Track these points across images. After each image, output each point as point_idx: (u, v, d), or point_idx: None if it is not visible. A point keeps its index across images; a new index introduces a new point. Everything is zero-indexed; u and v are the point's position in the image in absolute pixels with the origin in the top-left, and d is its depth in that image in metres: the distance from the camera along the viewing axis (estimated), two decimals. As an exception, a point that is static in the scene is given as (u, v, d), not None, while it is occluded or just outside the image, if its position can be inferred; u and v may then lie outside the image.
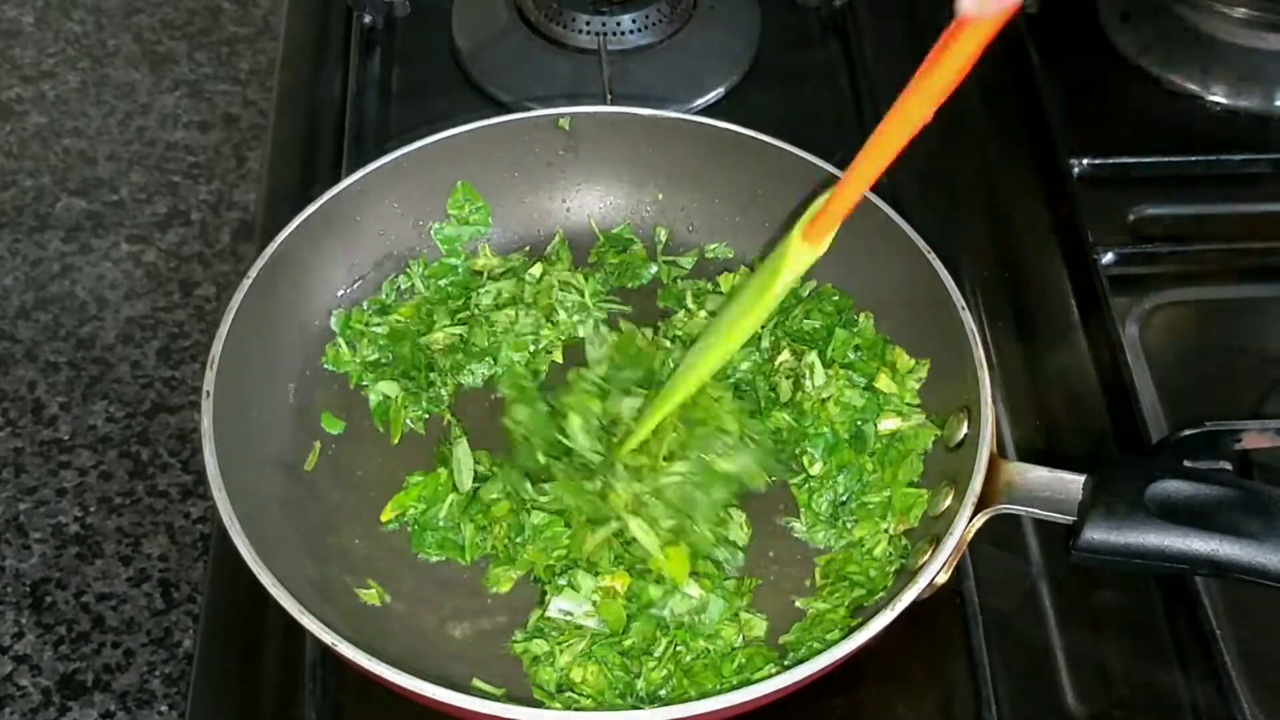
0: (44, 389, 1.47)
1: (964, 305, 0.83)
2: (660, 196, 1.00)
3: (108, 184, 1.70)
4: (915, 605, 0.73)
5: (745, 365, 0.90)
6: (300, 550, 0.82)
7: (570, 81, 1.10)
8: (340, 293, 0.94)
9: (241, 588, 0.78)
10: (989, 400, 0.78)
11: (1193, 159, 1.07)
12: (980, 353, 0.80)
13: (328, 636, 0.70)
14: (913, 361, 0.89)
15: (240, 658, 0.82)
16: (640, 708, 0.75)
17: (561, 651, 0.78)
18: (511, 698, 0.73)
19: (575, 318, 0.94)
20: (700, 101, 1.10)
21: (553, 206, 1.00)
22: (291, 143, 1.10)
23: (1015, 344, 0.98)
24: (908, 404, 0.87)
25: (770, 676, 0.69)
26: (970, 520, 0.74)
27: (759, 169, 0.95)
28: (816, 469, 0.85)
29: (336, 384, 0.92)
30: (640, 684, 0.77)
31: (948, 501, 0.78)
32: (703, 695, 0.74)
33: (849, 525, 0.84)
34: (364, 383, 0.91)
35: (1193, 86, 1.13)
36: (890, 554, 0.82)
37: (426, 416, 0.91)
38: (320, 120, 1.11)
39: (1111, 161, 1.06)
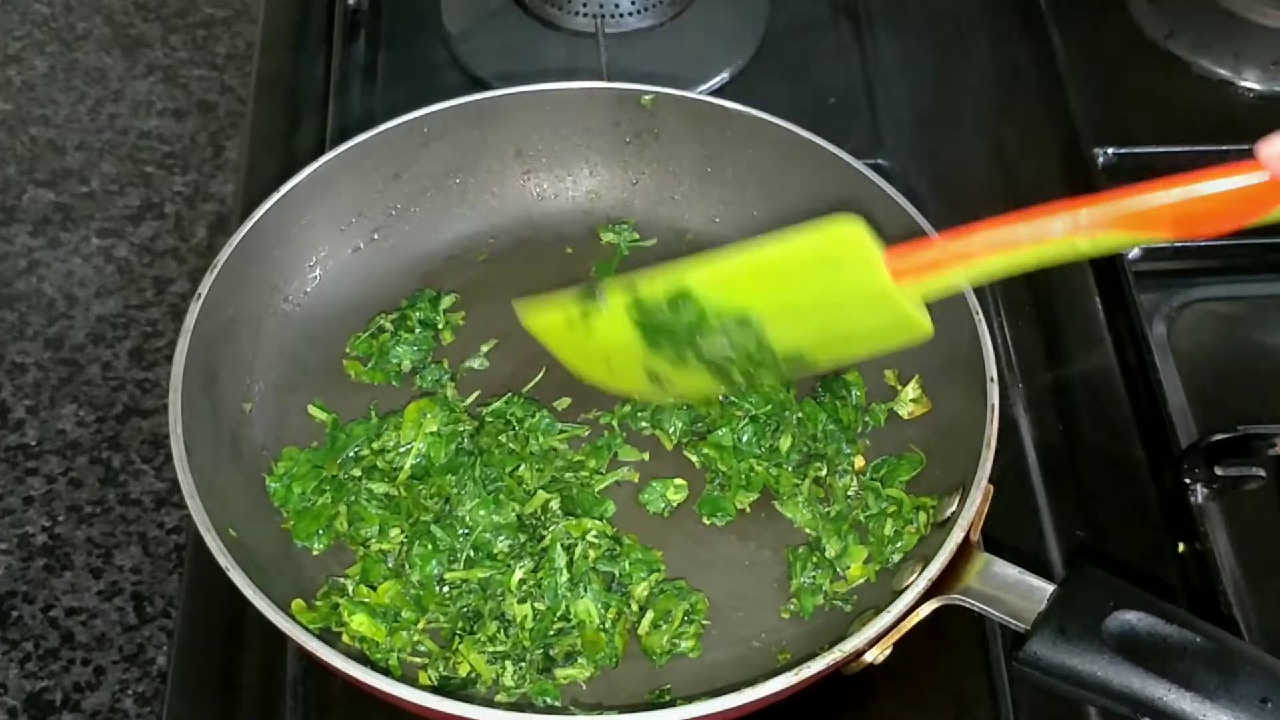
0: (9, 391, 1.46)
1: (994, 376, 0.79)
2: (729, 195, 0.97)
3: (77, 175, 1.70)
4: (932, 618, 0.72)
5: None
6: (280, 557, 0.80)
7: (566, 66, 1.09)
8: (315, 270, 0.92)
9: (218, 601, 0.77)
10: (981, 483, 0.75)
11: (1224, 148, 1.05)
12: (993, 431, 0.76)
13: (314, 645, 0.68)
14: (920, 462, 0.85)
15: (217, 674, 0.81)
16: None
17: None
18: (514, 705, 0.72)
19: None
20: (704, 87, 1.09)
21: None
22: (271, 132, 1.10)
23: (1037, 342, 0.97)
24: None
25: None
26: (917, 605, 0.71)
27: (841, 191, 0.89)
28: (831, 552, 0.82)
29: (315, 380, 0.90)
30: None
31: (912, 577, 0.74)
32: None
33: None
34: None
35: (1224, 72, 1.13)
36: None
37: None
38: (301, 108, 1.10)
39: (1138, 151, 1.06)
